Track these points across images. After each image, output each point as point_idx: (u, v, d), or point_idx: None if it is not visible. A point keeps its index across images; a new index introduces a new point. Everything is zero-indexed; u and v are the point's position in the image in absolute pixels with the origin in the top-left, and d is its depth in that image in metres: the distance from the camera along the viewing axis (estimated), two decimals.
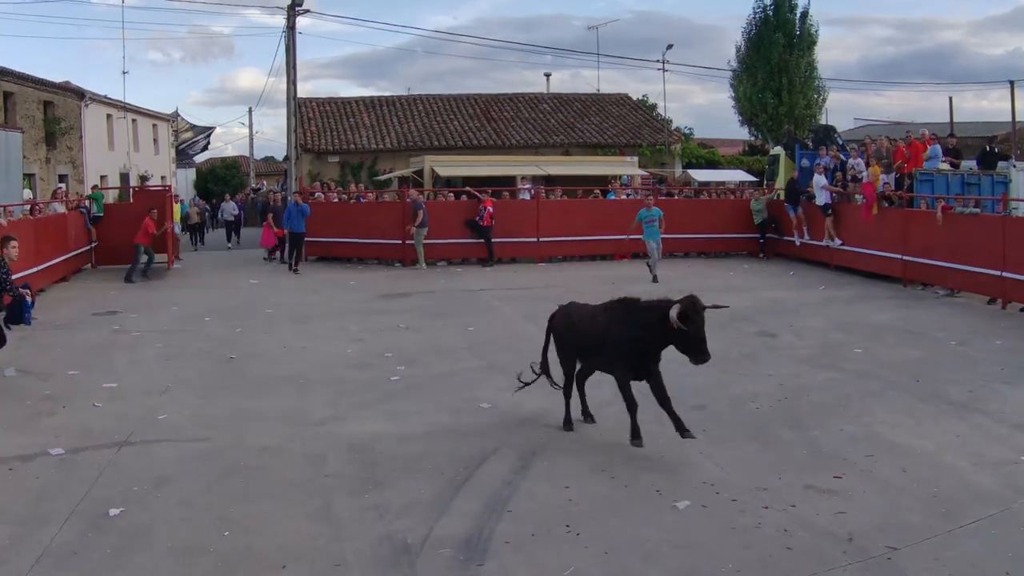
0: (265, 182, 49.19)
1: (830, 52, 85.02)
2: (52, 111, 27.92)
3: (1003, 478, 6.20)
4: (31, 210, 16.70)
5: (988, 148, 18.16)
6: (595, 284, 16.34)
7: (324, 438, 7.28)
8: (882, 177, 17.01)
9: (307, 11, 25.13)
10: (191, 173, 46.95)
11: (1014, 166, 18.21)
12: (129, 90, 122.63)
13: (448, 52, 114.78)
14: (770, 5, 35.74)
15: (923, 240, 15.35)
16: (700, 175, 31.42)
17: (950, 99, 65.18)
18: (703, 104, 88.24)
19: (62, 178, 27.32)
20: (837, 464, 6.50)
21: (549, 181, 24.37)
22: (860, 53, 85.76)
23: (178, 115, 43.29)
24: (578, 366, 7.47)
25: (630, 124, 33.18)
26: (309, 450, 6.98)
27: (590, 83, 67.00)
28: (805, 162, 20.66)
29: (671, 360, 10.01)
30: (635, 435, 6.86)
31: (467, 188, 21.64)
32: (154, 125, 39.46)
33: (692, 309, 6.36)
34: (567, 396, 7.51)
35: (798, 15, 35.75)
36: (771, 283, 16.62)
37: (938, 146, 17.73)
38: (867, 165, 17.80)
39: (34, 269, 14.99)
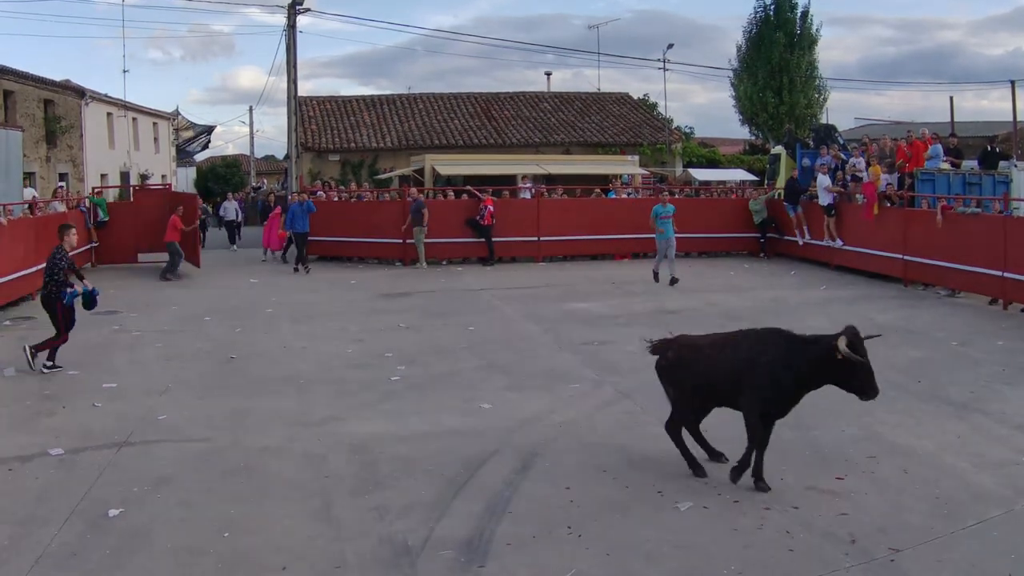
0: (265, 181, 49.15)
1: (831, 52, 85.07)
2: (52, 110, 27.90)
3: (1004, 479, 6.19)
4: (31, 209, 16.66)
5: (989, 148, 18.14)
6: (596, 284, 16.39)
7: (324, 438, 7.27)
8: (885, 177, 16.99)
9: (308, 10, 25.21)
10: (191, 172, 46.92)
11: (1015, 166, 18.18)
12: (129, 88, 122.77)
13: (449, 51, 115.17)
14: (771, 4, 35.76)
15: (924, 240, 15.32)
16: (701, 174, 31.43)
17: (951, 99, 65.27)
18: (704, 103, 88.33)
19: (62, 177, 27.29)
20: (839, 465, 6.49)
21: (550, 180, 24.35)
22: (861, 53, 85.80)
23: (178, 114, 43.28)
24: (694, 405, 6.47)
25: (631, 123, 33.17)
26: (309, 450, 6.97)
27: (591, 82, 67.04)
28: (806, 161, 20.65)
29: None
30: (760, 475, 6.02)
31: (467, 187, 21.63)
32: (154, 124, 39.44)
33: (858, 339, 5.71)
34: (681, 441, 6.42)
35: (799, 14, 35.77)
36: (772, 283, 16.61)
37: (939, 146, 17.71)
38: (867, 165, 17.78)
39: (34, 268, 14.96)
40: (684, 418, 6.43)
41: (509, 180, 23.65)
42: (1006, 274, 13.36)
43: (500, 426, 7.54)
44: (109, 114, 33.45)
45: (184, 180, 43.81)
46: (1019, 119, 32.52)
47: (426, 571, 4.93)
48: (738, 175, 31.59)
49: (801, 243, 19.47)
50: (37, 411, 8.10)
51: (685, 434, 6.45)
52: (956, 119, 35.05)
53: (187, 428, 7.56)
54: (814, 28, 35.96)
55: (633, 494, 6.00)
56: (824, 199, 18.16)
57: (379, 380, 9.23)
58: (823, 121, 33.17)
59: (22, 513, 5.67)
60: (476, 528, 5.44)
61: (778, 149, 24.30)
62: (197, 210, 20.58)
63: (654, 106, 36.76)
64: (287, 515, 5.69)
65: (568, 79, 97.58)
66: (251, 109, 50.28)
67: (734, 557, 5.04)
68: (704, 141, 41.84)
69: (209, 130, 45.69)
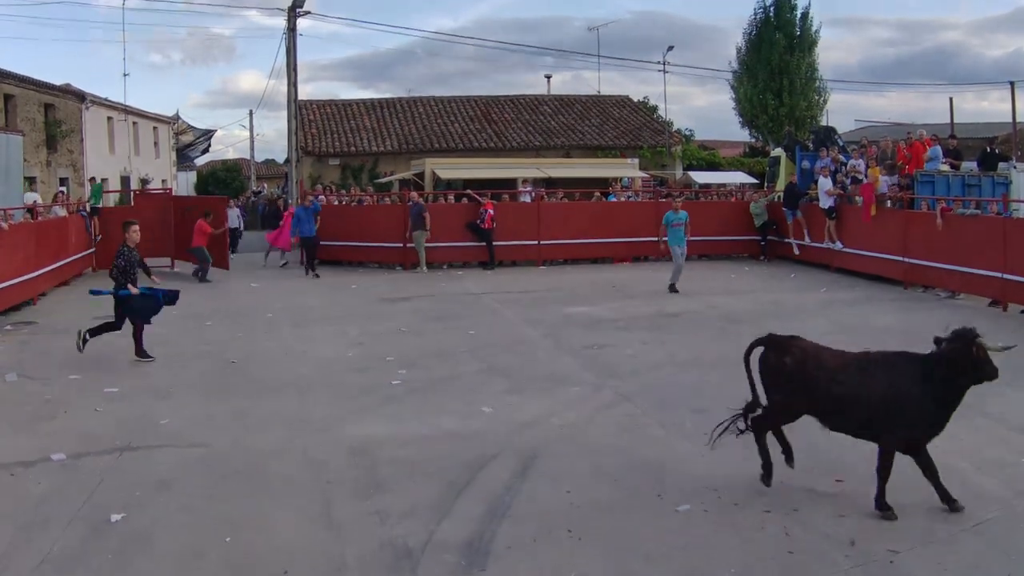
0: (266, 185, 49.21)
1: (831, 53, 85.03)
2: (53, 114, 27.96)
3: (1005, 480, 6.20)
4: (31, 213, 16.68)
5: (989, 149, 18.17)
6: (597, 287, 16.39)
7: (325, 442, 7.28)
8: (885, 179, 17.00)
9: (308, 13, 25.24)
10: (192, 176, 46.94)
11: (1015, 167, 18.22)
12: (130, 92, 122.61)
13: (449, 54, 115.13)
14: (771, 6, 35.80)
15: (924, 242, 15.34)
16: (701, 177, 31.46)
17: (950, 100, 65.03)
18: (704, 106, 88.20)
19: (63, 181, 27.33)
20: (838, 467, 6.49)
21: (550, 183, 24.37)
22: (861, 54, 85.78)
23: (179, 117, 43.33)
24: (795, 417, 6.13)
25: (631, 126, 33.21)
26: (310, 454, 6.98)
27: (591, 84, 66.90)
28: (806, 163, 20.65)
29: (666, 362, 10.06)
30: (885, 505, 5.67)
31: (467, 191, 21.65)
32: (155, 128, 39.50)
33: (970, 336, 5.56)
34: (764, 443, 6.14)
35: (799, 16, 35.81)
36: (772, 285, 16.62)
37: (939, 147, 17.75)
38: (867, 167, 17.80)
39: (35, 273, 15.01)
40: (776, 423, 6.12)
41: (509, 184, 23.69)
42: (1006, 276, 13.38)
43: (500, 429, 7.55)
44: (109, 118, 33.52)
45: (184, 184, 43.84)
46: (1019, 120, 32.55)
47: (427, 574, 4.94)
48: (738, 178, 31.61)
49: (797, 252, 19.39)
50: (39, 415, 8.11)
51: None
52: (956, 120, 35.08)
53: (188, 432, 7.57)
54: (814, 30, 36.04)
55: (633, 496, 6.02)
56: (825, 202, 18.17)
57: (380, 384, 9.24)
58: (823, 123, 33.20)
59: (24, 518, 5.68)
60: (477, 531, 5.46)
61: (778, 151, 24.32)
62: (226, 214, 20.90)
63: (654, 109, 36.79)
64: (288, 518, 5.70)
65: (568, 81, 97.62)
66: (251, 113, 50.21)
67: (734, 559, 5.05)
68: (704, 144, 41.85)
69: (209, 134, 45.74)
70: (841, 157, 19.57)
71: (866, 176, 17.36)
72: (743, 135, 39.55)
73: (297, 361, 10.46)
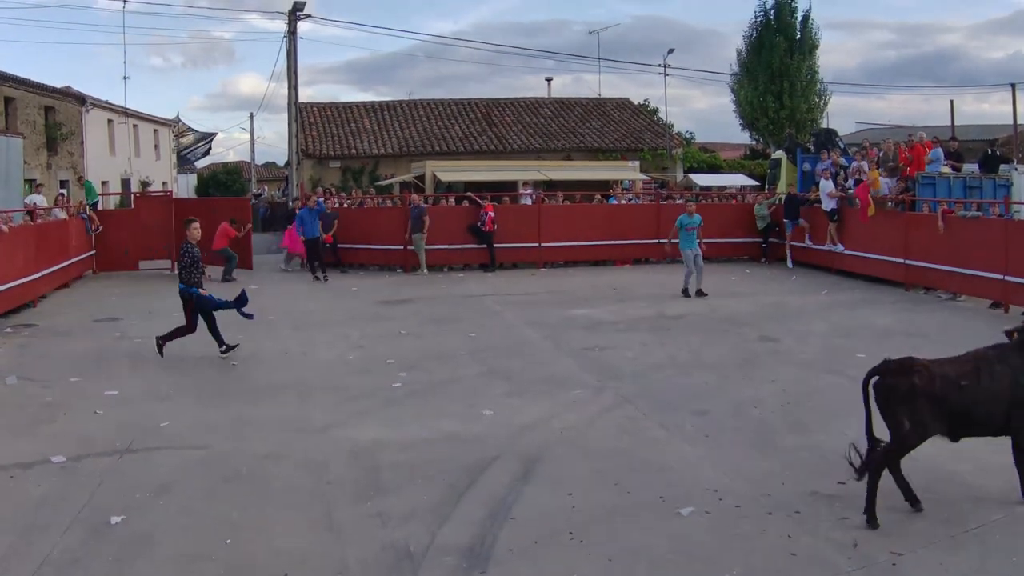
0: (266, 187, 49.24)
1: (831, 56, 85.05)
2: (53, 116, 27.99)
3: (1006, 483, 6.16)
4: (31, 215, 16.68)
5: (989, 151, 18.18)
6: (597, 290, 16.38)
7: (325, 445, 7.27)
8: (886, 181, 16.99)
9: (308, 16, 25.29)
10: (192, 179, 47.00)
11: (1015, 169, 18.24)
12: (130, 95, 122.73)
13: (449, 57, 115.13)
14: (771, 9, 35.82)
15: (925, 244, 15.33)
16: (701, 179, 31.48)
17: (951, 102, 64.89)
18: (704, 108, 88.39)
19: (63, 184, 27.34)
20: (841, 469, 6.46)
21: (550, 186, 24.38)
22: (861, 57, 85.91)
23: (179, 120, 43.36)
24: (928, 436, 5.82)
25: (631, 129, 33.23)
26: (311, 457, 6.96)
27: (591, 87, 67.05)
28: (807, 166, 20.67)
29: (667, 364, 10.05)
30: None
31: (468, 193, 21.64)
32: (155, 130, 39.56)
33: None
34: (901, 474, 5.85)
35: (799, 19, 35.83)
36: (773, 288, 16.60)
37: (940, 149, 17.74)
38: (868, 169, 17.80)
39: (35, 275, 15.00)
40: (909, 450, 5.77)
41: (510, 186, 23.70)
42: (1007, 277, 13.37)
43: (501, 432, 7.53)
44: (110, 121, 33.57)
45: (185, 187, 43.90)
46: (1019, 122, 32.57)
47: None
48: (739, 180, 31.64)
49: (790, 265, 19.26)
50: (38, 418, 8.09)
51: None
52: (956, 122, 35.13)
53: (188, 435, 7.56)
54: (814, 32, 36.06)
55: (635, 500, 6.00)
56: (827, 204, 18.17)
57: (380, 387, 9.23)
58: (824, 125, 33.22)
59: (23, 520, 5.67)
60: (478, 534, 5.44)
61: (779, 154, 24.34)
62: (250, 215, 21.16)
63: (655, 111, 36.82)
64: (289, 521, 5.69)
65: (568, 84, 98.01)
66: (252, 116, 50.28)
67: (736, 562, 5.04)
68: (705, 146, 41.88)
69: (210, 137, 45.78)
70: (842, 160, 19.56)
71: (867, 178, 17.35)
72: (744, 137, 39.63)
73: (297, 364, 10.45)
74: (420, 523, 5.60)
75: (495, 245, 19.78)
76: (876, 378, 5.79)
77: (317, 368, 10.18)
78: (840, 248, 17.90)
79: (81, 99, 30.33)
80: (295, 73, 25.03)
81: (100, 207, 21.15)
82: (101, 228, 19.47)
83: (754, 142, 38.79)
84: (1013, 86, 32.93)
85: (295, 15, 24.84)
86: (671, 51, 34.13)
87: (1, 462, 6.78)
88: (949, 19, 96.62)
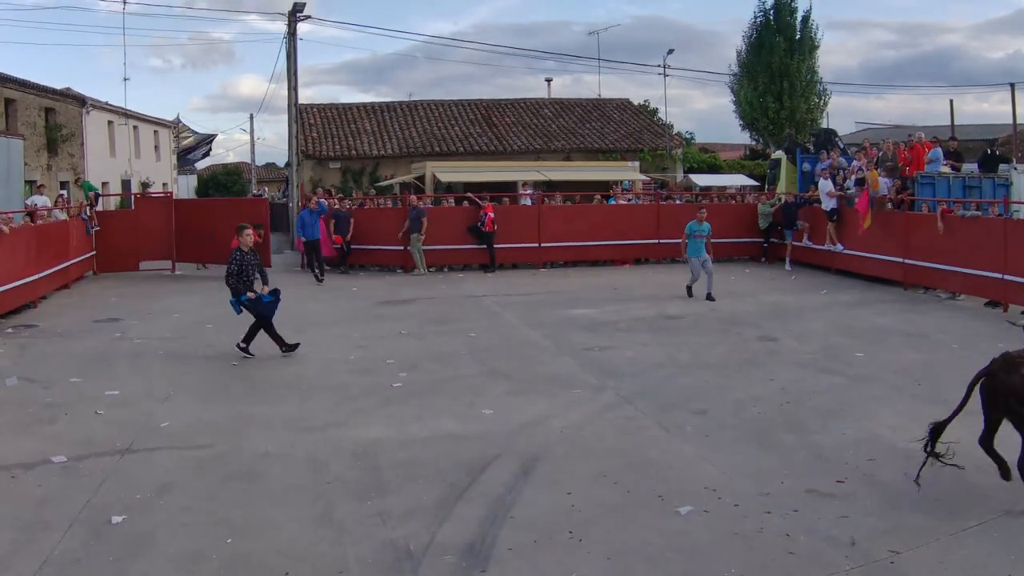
0: (266, 189, 49.26)
1: (831, 56, 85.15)
2: (53, 118, 27.99)
3: (1005, 481, 6.18)
4: (31, 216, 16.70)
5: (989, 151, 18.19)
6: (598, 290, 16.40)
7: (326, 444, 7.28)
8: (886, 181, 17.00)
9: (308, 17, 25.26)
10: (192, 180, 47.02)
11: (1015, 169, 18.25)
12: (130, 97, 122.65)
13: (449, 58, 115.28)
14: (771, 9, 35.82)
15: (924, 243, 15.35)
16: (701, 180, 31.47)
17: (951, 102, 64.95)
18: (704, 109, 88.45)
19: (63, 185, 27.36)
20: (839, 468, 6.49)
21: (550, 187, 24.41)
22: (861, 57, 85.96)
23: (179, 121, 43.37)
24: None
25: (631, 129, 33.25)
26: (311, 456, 6.98)
27: (591, 88, 67.14)
28: (807, 166, 20.68)
29: (667, 364, 10.06)
30: None
31: (468, 194, 21.66)
32: (155, 132, 39.56)
33: None
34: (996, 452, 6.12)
35: (799, 19, 35.83)
36: (772, 287, 16.62)
37: (939, 149, 17.75)
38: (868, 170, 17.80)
39: (36, 276, 15.02)
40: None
41: (510, 187, 23.72)
42: (1007, 277, 13.38)
43: (501, 431, 7.55)
44: (110, 122, 33.57)
45: (185, 188, 43.90)
46: (1019, 122, 32.58)
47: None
48: (739, 180, 31.63)
49: (788, 267, 19.29)
50: (39, 418, 8.11)
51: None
52: (956, 122, 35.13)
53: (189, 435, 7.57)
54: (814, 32, 36.06)
55: (634, 499, 6.01)
56: (827, 203, 18.18)
57: (381, 386, 9.25)
58: (823, 126, 33.23)
59: (25, 520, 5.68)
60: (478, 533, 5.45)
61: (779, 154, 24.35)
62: (268, 215, 21.43)
63: (655, 112, 36.84)
64: (289, 520, 5.70)
65: (568, 85, 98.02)
66: (252, 117, 50.61)
67: (735, 560, 5.05)
68: (705, 146, 41.87)
69: (210, 138, 45.80)
70: (842, 159, 19.57)
71: (867, 180, 17.34)
72: (744, 138, 39.64)
73: (298, 363, 10.46)
74: (420, 522, 5.62)
75: (495, 246, 19.80)
76: (984, 378, 5.95)
77: (318, 368, 10.20)
78: (840, 248, 17.92)
79: (81, 100, 30.33)
80: (295, 74, 25.03)
81: (100, 207, 21.09)
82: (98, 222, 19.42)
83: (754, 142, 38.79)
84: (1013, 86, 32.94)
85: (295, 16, 24.84)
86: (671, 51, 34.11)
87: (2, 462, 6.80)
88: (949, 19, 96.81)
